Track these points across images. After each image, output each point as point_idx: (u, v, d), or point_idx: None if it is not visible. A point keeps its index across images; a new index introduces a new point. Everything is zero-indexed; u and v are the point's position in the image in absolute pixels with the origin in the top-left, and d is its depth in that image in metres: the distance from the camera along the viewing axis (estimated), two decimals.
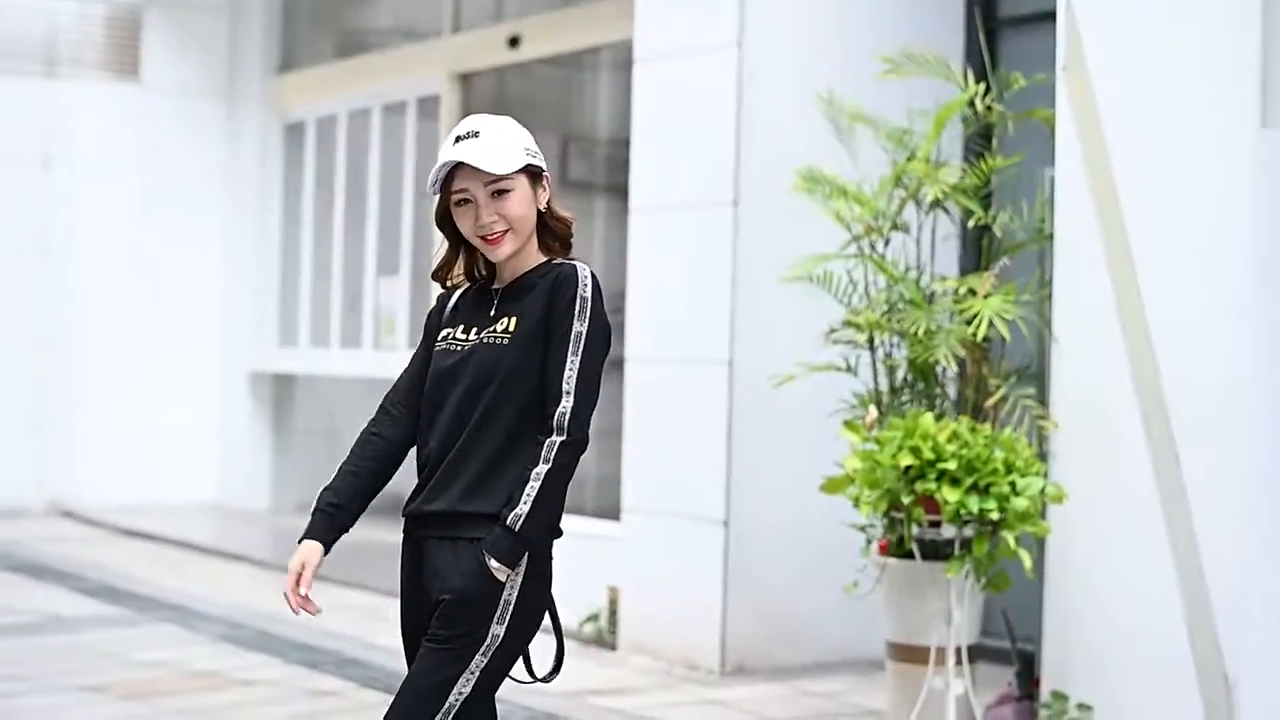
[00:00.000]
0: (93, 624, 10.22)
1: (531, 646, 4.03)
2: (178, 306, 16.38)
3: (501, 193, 3.98)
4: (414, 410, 4.10)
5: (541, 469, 3.87)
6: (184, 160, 16.39)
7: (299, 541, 4.01)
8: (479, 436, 3.94)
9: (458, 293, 4.21)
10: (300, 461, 16.04)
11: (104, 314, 16.13)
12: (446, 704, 3.86)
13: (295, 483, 15.91)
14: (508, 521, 3.83)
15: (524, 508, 3.84)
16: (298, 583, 3.96)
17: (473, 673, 3.86)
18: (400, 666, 4.10)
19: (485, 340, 4.00)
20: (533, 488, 3.86)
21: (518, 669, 4.04)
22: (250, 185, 16.34)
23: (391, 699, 3.94)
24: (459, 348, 4.04)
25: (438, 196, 4.07)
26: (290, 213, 16.27)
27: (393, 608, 4.35)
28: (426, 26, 14.59)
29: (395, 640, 4.28)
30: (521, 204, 4.00)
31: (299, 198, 16.16)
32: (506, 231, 4.00)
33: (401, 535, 4.09)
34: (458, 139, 3.98)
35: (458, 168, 3.99)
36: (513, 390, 3.94)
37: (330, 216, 15.69)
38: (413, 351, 4.22)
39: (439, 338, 4.12)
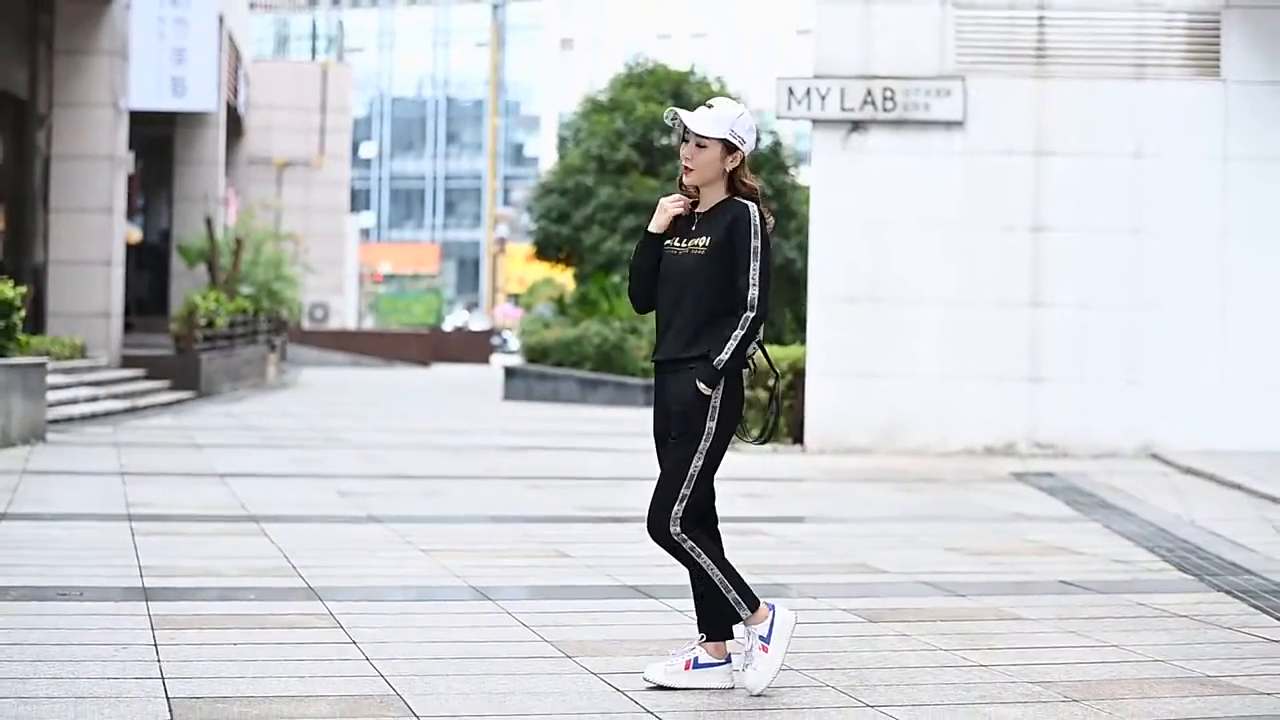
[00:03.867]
0: None
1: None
2: (1258, 274, 18.30)
3: (700, 146, 6.32)
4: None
5: (738, 332, 6.21)
6: (1263, 145, 18.32)
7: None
8: (690, 312, 6.30)
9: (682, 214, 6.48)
10: None
11: (1188, 281, 18.33)
12: (688, 475, 6.28)
13: None
14: (714, 363, 6.19)
15: (725, 356, 6.19)
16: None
17: (701, 453, 6.27)
18: None
19: (692, 250, 6.32)
20: (730, 345, 6.20)
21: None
22: None
23: None
24: (674, 252, 6.38)
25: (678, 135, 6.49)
26: None
27: None
28: None
29: None
30: (707, 160, 6.33)
31: None
32: (691, 170, 6.34)
33: (655, 375, 6.47)
34: (699, 106, 6.48)
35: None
36: (710, 284, 6.27)
37: None
38: None
39: (666, 242, 6.43)
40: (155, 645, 7.11)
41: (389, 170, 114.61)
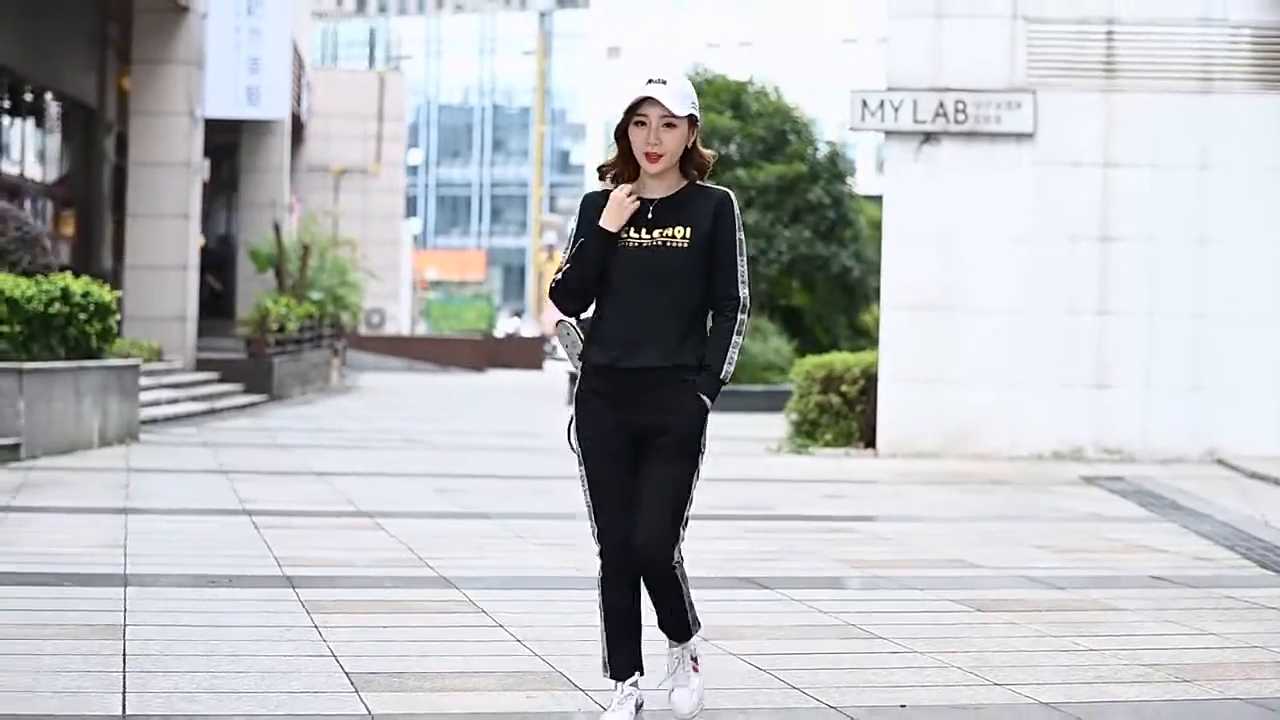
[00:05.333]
0: None
1: None
2: None
3: (669, 125, 5.57)
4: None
5: (737, 338, 5.63)
6: None
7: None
8: (673, 313, 5.59)
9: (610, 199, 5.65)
10: None
11: (1252, 290, 18.78)
12: (689, 498, 5.70)
13: None
14: (719, 374, 5.61)
15: (729, 365, 5.62)
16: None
17: (698, 472, 5.69)
18: None
19: (667, 244, 5.59)
20: (733, 352, 5.63)
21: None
22: None
23: None
24: (635, 244, 5.61)
25: (621, 116, 5.59)
26: None
27: None
28: None
29: None
30: (678, 139, 5.58)
31: None
32: (662, 155, 5.57)
33: (598, 381, 5.66)
34: (649, 81, 5.59)
35: (646, 100, 5.55)
36: (695, 280, 5.61)
37: None
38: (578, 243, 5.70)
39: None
40: (316, 627, 7.62)
41: (436, 177, 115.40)
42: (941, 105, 18.84)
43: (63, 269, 19.03)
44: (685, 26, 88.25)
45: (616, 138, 5.65)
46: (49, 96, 30.77)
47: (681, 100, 5.55)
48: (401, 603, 8.54)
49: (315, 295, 34.01)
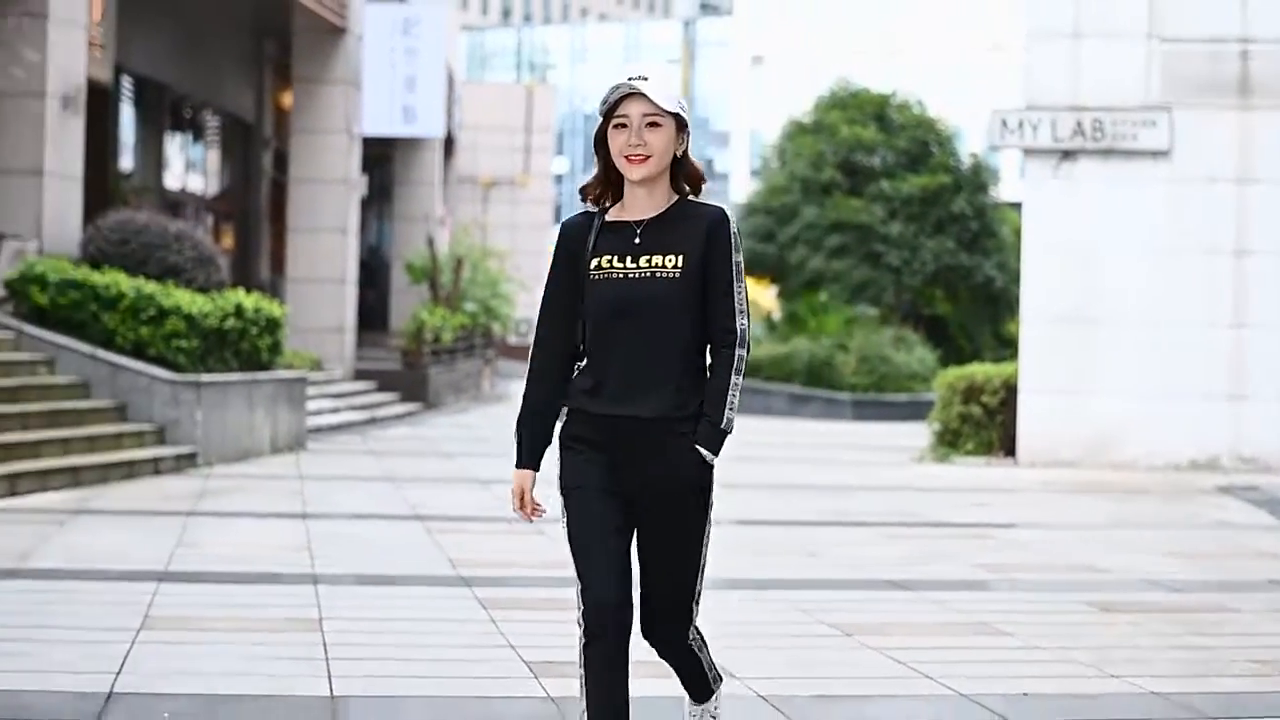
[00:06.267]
0: None
1: None
2: None
3: (653, 125, 4.78)
4: (569, 337, 4.94)
5: (736, 379, 4.85)
6: None
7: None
8: (668, 353, 4.82)
9: (594, 224, 4.93)
10: None
11: None
12: (700, 567, 4.98)
13: None
14: (720, 424, 4.84)
15: (730, 413, 4.86)
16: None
17: (707, 536, 4.97)
18: None
19: (656, 275, 4.80)
20: (733, 397, 4.87)
21: None
22: None
23: None
24: (620, 276, 4.83)
25: (599, 121, 4.86)
26: None
27: None
28: None
29: None
30: (664, 140, 4.80)
31: None
32: (647, 158, 4.79)
33: (585, 429, 4.91)
34: (630, 78, 4.83)
35: (625, 98, 4.82)
36: (689, 314, 4.83)
37: None
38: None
39: (591, 266, 4.87)
40: (493, 621, 8.40)
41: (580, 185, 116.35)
42: (1079, 124, 19.37)
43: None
44: (828, 34, 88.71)
45: (596, 148, 4.90)
46: (209, 113, 31.93)
47: (667, 97, 4.81)
48: (569, 600, 9.28)
49: (469, 307, 34.95)
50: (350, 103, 29.00)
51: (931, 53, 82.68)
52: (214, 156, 33.08)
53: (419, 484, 16.20)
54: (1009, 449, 19.90)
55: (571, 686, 6.90)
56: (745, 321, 4.88)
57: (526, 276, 51.26)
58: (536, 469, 4.99)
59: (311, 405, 23.14)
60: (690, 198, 4.94)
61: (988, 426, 20.18)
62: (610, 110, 4.82)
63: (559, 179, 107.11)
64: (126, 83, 26.99)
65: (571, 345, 4.92)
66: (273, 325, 19.08)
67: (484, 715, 6.59)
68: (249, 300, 18.54)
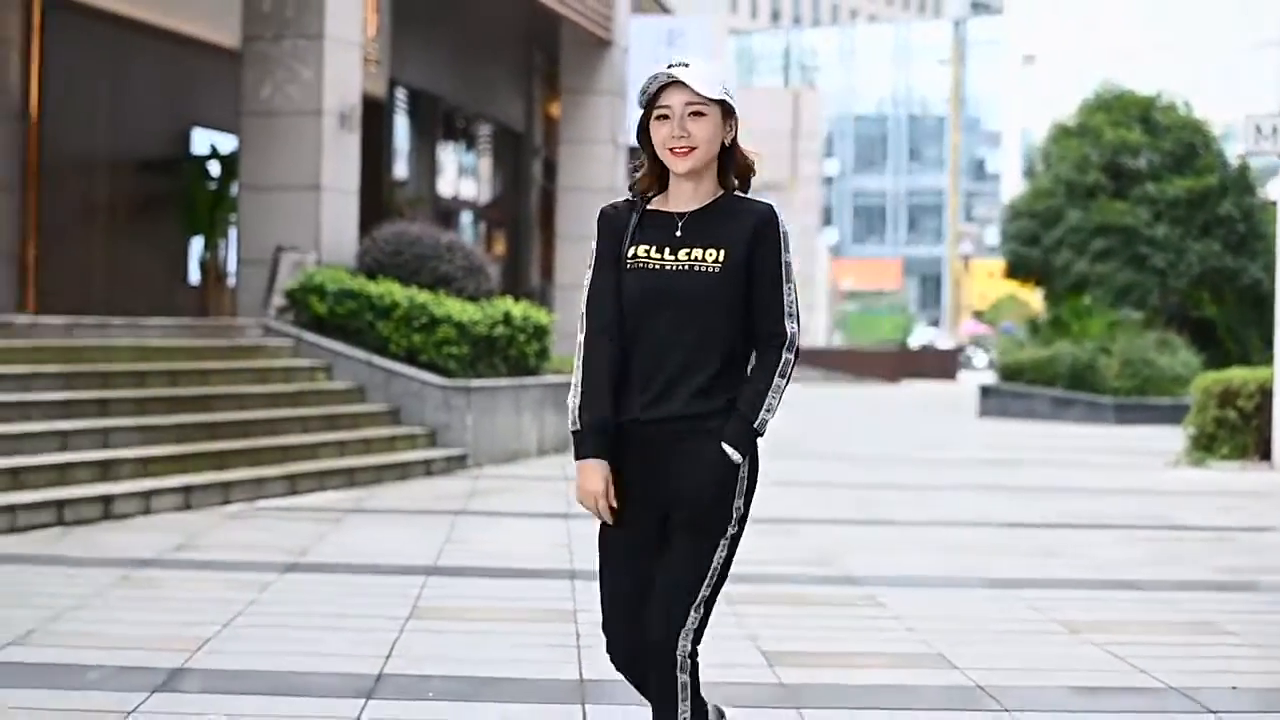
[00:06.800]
0: None
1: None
2: None
3: (697, 114, 4.50)
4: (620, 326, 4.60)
5: (780, 382, 4.55)
6: None
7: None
8: (702, 350, 4.53)
9: (635, 213, 4.65)
10: None
11: None
12: (709, 575, 4.62)
13: None
14: (753, 421, 4.52)
15: (765, 412, 4.53)
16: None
17: (725, 545, 4.64)
18: None
19: (695, 268, 4.52)
20: (773, 399, 4.54)
21: None
22: None
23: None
24: (656, 267, 4.55)
25: (641, 112, 4.59)
26: None
27: None
28: None
29: None
30: (709, 129, 4.51)
31: None
32: (692, 149, 4.51)
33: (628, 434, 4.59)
34: (670, 65, 4.55)
35: (666, 87, 4.53)
36: (732, 312, 4.53)
37: None
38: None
39: (629, 255, 4.58)
40: (735, 615, 8.92)
41: (851, 187, 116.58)
42: None
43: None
44: (1100, 32, 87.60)
45: (639, 141, 4.64)
46: (481, 123, 32.94)
47: (710, 82, 4.52)
48: (811, 596, 9.80)
49: None
50: (615, 113, 29.75)
51: (1204, 51, 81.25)
52: (486, 165, 34.08)
53: None
54: (1264, 453, 19.85)
55: (803, 674, 7.44)
56: (795, 325, 4.59)
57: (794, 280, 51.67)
58: (608, 458, 4.60)
59: None
60: (738, 193, 4.66)
61: (1243, 431, 20.15)
62: (651, 101, 4.55)
63: (828, 181, 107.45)
64: (400, 95, 28.08)
65: (621, 336, 4.60)
66: (540, 332, 19.77)
67: (714, 699, 7.10)
68: (517, 308, 19.27)
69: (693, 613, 4.57)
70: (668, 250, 4.54)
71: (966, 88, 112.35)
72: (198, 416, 14.81)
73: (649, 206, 4.64)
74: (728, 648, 8.00)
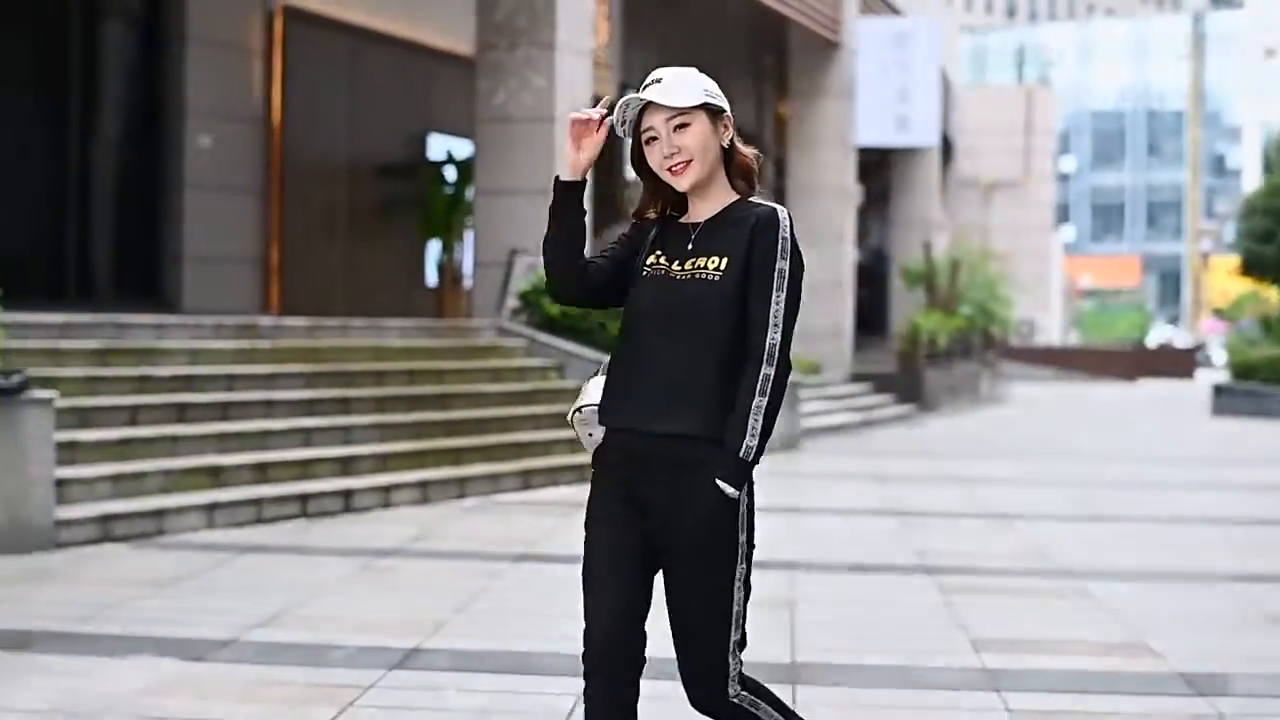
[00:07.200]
0: None
1: None
2: None
3: (681, 126, 4.33)
4: (599, 279, 4.50)
5: (761, 401, 4.19)
6: None
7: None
8: (699, 363, 4.27)
9: (664, 222, 4.52)
10: None
11: None
12: (733, 616, 4.37)
13: None
14: (739, 451, 4.19)
15: (751, 440, 4.20)
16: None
17: (740, 580, 4.36)
18: None
19: (697, 275, 4.31)
20: (755, 421, 4.19)
21: None
22: None
23: None
24: (665, 275, 4.37)
25: (630, 140, 4.43)
26: None
27: None
28: None
29: None
30: (700, 137, 4.33)
31: None
32: (689, 163, 4.33)
33: (609, 452, 4.51)
34: (644, 86, 4.40)
35: (645, 110, 4.39)
36: (725, 324, 4.27)
37: None
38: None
39: (645, 261, 4.45)
40: (947, 605, 9.20)
41: (1088, 184, 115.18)
42: None
43: None
44: None
45: (636, 169, 4.51)
46: None
47: (687, 89, 4.36)
48: (1024, 588, 10.03)
49: (965, 310, 35.51)
50: (845, 115, 30.03)
51: None
52: None
53: (901, 482, 17.01)
54: None
55: (1008, 661, 7.70)
56: (777, 335, 4.24)
57: (1027, 277, 51.52)
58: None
59: (810, 407, 24.16)
60: (750, 198, 4.44)
61: None
62: (636, 128, 4.41)
63: (1064, 178, 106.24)
64: None
65: (581, 267, 4.49)
66: None
67: (917, 682, 7.38)
68: None
69: (731, 660, 4.38)
70: (678, 260, 4.37)
71: (1205, 82, 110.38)
72: (435, 414, 15.36)
73: (679, 220, 4.50)
74: (936, 635, 8.30)
